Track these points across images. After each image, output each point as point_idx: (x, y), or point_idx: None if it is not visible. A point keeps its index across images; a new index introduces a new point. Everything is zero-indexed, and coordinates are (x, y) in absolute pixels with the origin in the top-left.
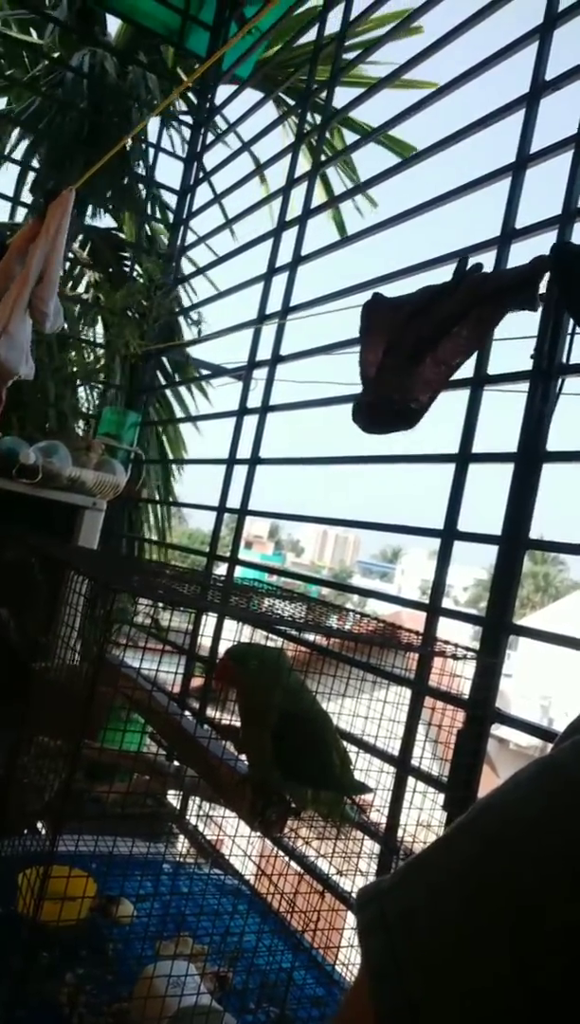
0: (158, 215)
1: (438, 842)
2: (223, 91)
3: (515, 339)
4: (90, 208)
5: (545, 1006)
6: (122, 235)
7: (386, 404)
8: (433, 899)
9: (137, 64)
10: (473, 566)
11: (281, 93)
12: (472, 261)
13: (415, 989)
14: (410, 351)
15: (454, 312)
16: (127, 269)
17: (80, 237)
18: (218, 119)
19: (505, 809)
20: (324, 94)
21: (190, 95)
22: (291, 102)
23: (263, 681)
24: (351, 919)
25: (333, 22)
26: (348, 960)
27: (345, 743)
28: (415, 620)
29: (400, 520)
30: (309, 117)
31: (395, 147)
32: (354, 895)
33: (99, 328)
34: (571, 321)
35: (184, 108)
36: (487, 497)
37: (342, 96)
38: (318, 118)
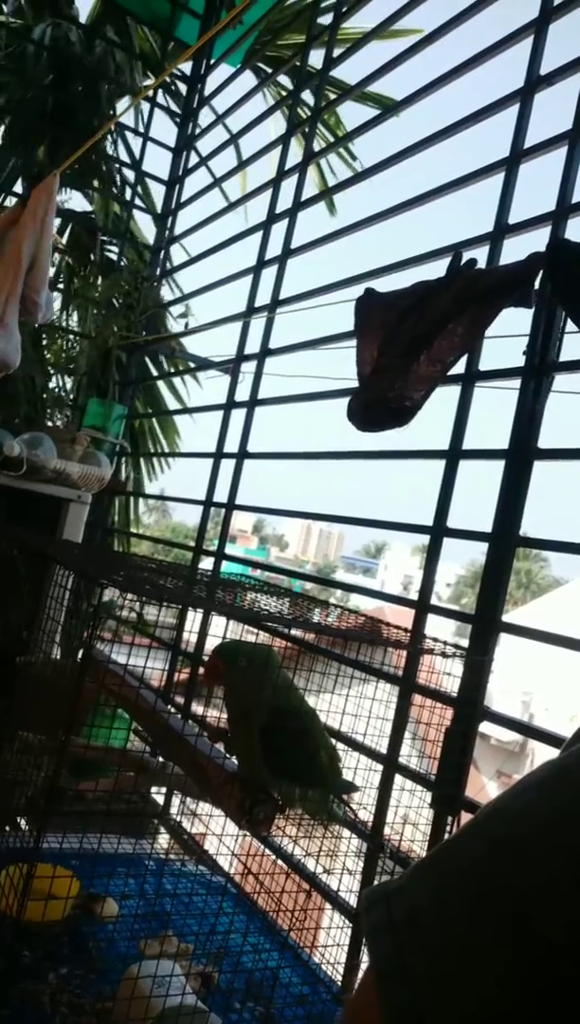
0: (140, 203)
1: (446, 844)
2: (212, 80)
3: (508, 336)
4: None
5: (550, 1008)
6: (97, 218)
7: (380, 403)
8: (440, 900)
9: (104, 39)
10: (454, 563)
11: (272, 77)
12: (466, 257)
13: (421, 990)
14: (405, 348)
15: (449, 309)
16: (111, 257)
17: (57, 221)
18: (207, 108)
19: (512, 812)
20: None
21: (179, 84)
22: (274, 94)
23: (252, 679)
24: (338, 918)
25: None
26: (334, 959)
27: (332, 740)
28: (398, 615)
29: (386, 516)
30: (301, 102)
31: (382, 102)
32: (341, 893)
33: (74, 317)
34: (564, 318)
35: (173, 97)
36: (472, 494)
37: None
38: (311, 104)
